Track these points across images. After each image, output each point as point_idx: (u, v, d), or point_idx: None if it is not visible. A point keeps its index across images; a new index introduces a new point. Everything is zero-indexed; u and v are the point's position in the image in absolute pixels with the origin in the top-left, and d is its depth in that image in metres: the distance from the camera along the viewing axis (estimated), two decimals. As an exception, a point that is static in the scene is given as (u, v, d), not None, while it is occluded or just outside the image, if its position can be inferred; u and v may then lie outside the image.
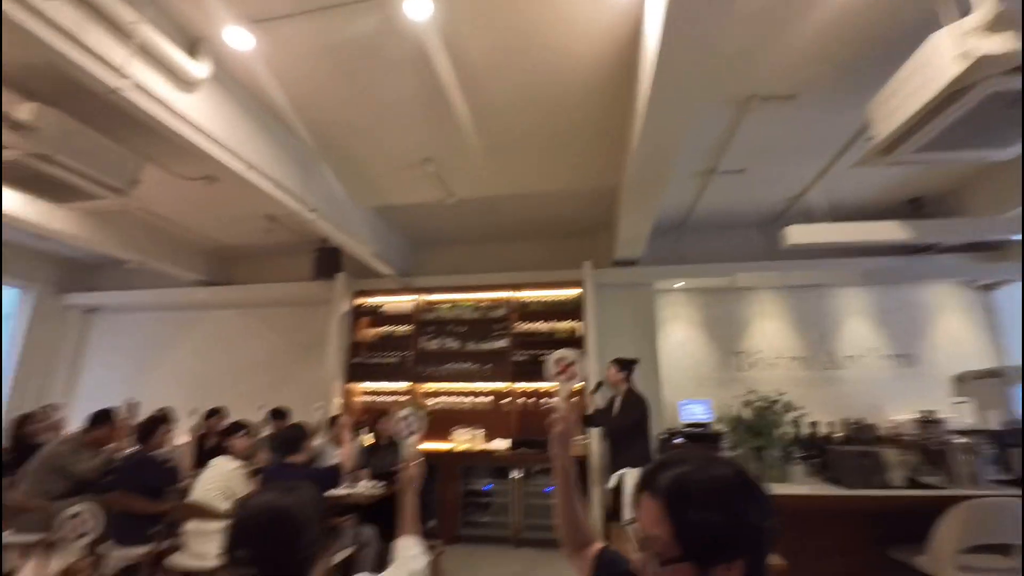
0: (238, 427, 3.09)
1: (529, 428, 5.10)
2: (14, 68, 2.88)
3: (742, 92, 3.13)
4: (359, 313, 5.86)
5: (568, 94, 3.18)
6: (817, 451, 3.17)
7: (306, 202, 3.80)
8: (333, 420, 4.29)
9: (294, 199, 3.70)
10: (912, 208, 4.84)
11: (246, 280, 6.32)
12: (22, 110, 2.83)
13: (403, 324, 5.74)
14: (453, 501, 4.67)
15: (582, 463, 4.48)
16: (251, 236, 5.71)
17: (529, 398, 5.27)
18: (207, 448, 4.14)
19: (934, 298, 5.42)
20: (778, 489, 2.63)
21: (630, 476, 3.40)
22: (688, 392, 5.30)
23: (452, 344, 5.54)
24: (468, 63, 2.88)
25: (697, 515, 0.66)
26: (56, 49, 2.09)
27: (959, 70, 1.86)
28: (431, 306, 5.76)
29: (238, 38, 2.67)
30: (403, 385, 5.54)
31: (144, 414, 3.55)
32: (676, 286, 5.66)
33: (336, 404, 5.29)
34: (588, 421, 3.94)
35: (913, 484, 2.61)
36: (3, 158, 2.97)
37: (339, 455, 3.51)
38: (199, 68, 2.67)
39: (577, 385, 1.39)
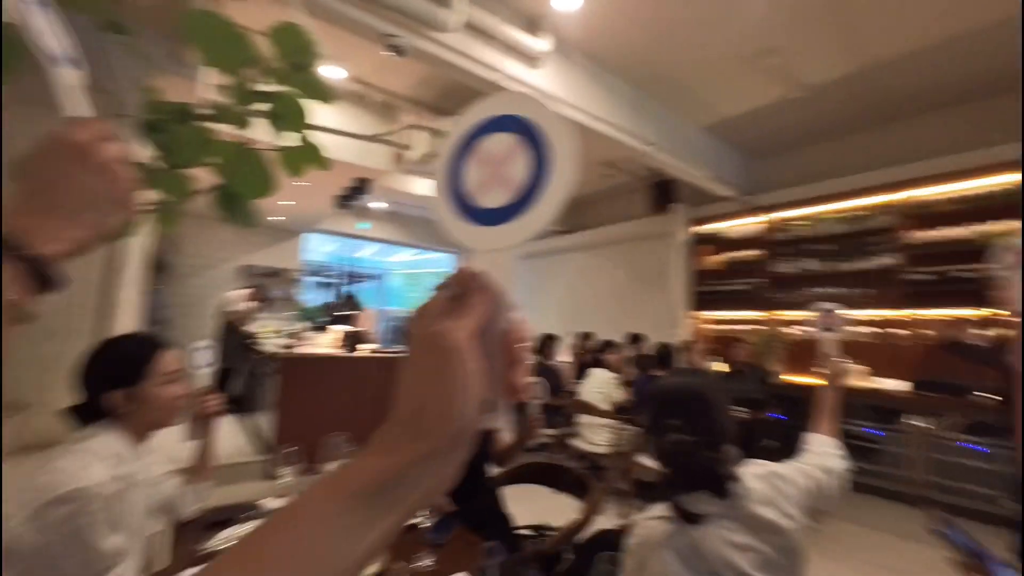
0: (610, 345, 3.66)
1: (933, 368, 3.94)
2: (428, 93, 4.08)
3: None
4: (700, 241, 5.78)
5: None
6: None
7: (642, 138, 3.96)
8: (685, 346, 4.49)
9: (631, 137, 3.91)
10: None
11: (594, 224, 7.14)
12: (443, 124, 4.04)
13: (749, 248, 5.32)
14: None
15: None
16: (592, 184, 6.38)
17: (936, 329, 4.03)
18: (583, 364, 5.08)
19: None
20: None
21: None
22: None
23: (813, 266, 4.79)
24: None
25: None
26: (460, 67, 2.85)
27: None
28: (784, 224, 5.10)
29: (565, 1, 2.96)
30: (755, 314, 5.20)
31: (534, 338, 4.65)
32: None
33: (684, 332, 5.48)
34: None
35: None
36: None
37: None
38: (541, 44, 3.12)
39: None
